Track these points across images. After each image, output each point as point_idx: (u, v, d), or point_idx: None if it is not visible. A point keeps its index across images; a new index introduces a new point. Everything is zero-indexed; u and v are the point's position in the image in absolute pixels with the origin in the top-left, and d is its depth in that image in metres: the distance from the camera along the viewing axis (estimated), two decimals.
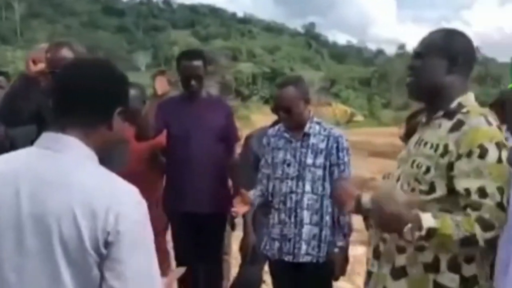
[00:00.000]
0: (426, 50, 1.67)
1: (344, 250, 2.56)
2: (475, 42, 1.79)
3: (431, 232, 1.47)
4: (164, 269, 3.47)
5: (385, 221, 1.54)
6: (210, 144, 2.96)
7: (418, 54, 1.69)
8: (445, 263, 1.57)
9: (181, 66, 2.98)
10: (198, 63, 2.96)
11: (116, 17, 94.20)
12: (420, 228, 1.47)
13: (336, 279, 2.61)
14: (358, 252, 4.12)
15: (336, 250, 2.51)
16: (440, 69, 1.64)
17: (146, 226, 1.15)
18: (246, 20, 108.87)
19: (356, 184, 1.88)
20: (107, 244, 1.07)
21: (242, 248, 3.05)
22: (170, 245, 3.21)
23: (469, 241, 1.48)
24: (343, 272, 2.60)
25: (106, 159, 1.25)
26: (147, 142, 2.91)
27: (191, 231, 3.01)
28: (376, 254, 1.73)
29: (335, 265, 2.53)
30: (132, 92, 1.97)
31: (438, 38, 1.67)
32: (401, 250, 1.64)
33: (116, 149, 2.06)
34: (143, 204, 1.16)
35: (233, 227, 3.24)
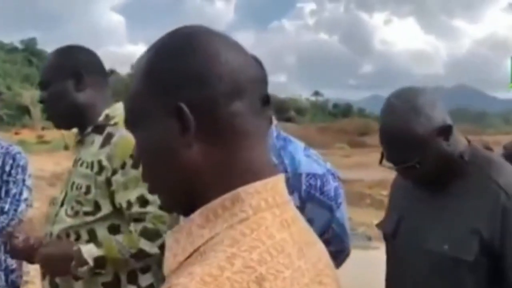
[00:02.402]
0: (47, 78, 1.60)
1: None
2: None
3: (101, 261, 1.45)
4: None
5: (51, 266, 1.51)
6: None
7: (42, 84, 1.62)
8: (125, 278, 1.53)
9: None
10: None
11: None
12: (85, 262, 1.44)
13: None
14: None
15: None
16: (68, 90, 1.57)
17: None
18: None
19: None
20: None
21: None
22: None
23: (140, 256, 1.48)
24: None
25: None
26: None
27: None
28: (54, 286, 1.60)
29: None
30: None
31: (54, 61, 1.62)
32: (78, 276, 1.54)
33: None
34: None
35: None
